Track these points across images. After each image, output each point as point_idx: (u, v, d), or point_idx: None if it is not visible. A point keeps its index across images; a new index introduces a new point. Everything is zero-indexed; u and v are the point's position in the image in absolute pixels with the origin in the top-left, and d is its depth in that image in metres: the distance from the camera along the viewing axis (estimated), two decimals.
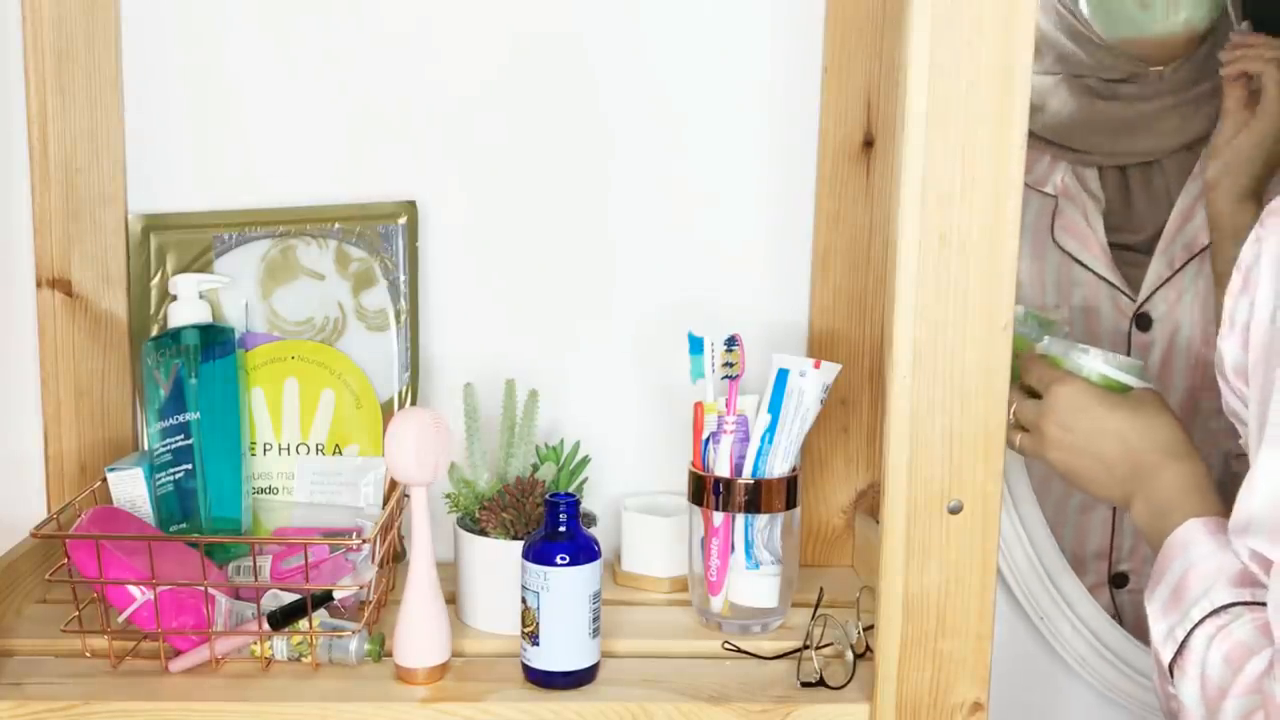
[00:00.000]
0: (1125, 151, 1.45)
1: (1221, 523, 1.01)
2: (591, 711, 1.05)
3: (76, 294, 1.29)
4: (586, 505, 1.22)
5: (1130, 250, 1.46)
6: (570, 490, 1.22)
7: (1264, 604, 0.93)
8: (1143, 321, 1.44)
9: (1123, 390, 1.12)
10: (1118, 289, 1.43)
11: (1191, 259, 1.42)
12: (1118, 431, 1.09)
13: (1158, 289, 1.43)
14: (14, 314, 1.30)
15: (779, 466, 1.17)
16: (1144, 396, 1.11)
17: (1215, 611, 0.96)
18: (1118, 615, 1.46)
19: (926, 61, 0.94)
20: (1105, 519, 1.46)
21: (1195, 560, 1.00)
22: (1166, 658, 0.99)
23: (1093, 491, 1.12)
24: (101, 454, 1.31)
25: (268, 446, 1.28)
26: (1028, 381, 1.15)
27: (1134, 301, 1.43)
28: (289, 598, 1.11)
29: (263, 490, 1.28)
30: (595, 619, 1.08)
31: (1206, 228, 1.40)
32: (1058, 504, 1.46)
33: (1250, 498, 0.94)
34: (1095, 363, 1.13)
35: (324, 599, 1.09)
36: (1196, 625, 0.97)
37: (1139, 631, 1.45)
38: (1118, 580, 1.47)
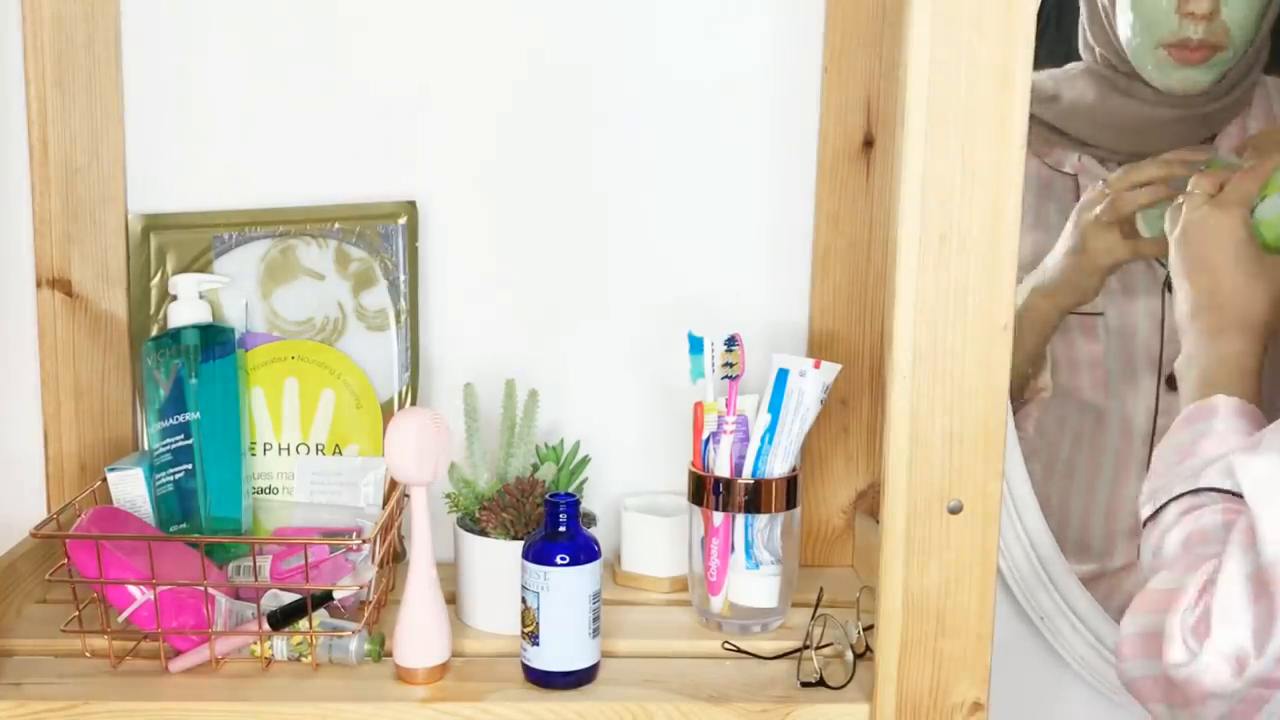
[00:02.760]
0: (1131, 150, 1.45)
1: (1251, 408, 1.08)
2: (591, 711, 1.05)
3: (76, 294, 1.29)
4: (586, 505, 1.22)
5: None
6: (570, 490, 1.22)
7: (1240, 495, 0.97)
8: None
9: (1277, 252, 1.15)
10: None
11: None
12: (1214, 278, 1.14)
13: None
14: (14, 314, 1.30)
15: (779, 466, 1.17)
16: (1274, 271, 1.14)
17: (1195, 491, 1.01)
18: None
19: (926, 61, 0.94)
20: (1135, 497, 1.46)
21: (1211, 432, 1.05)
22: (1143, 515, 1.05)
23: (1178, 292, 1.17)
24: (101, 454, 1.31)
25: (268, 446, 1.28)
26: (1232, 182, 1.19)
27: (1165, 266, 1.43)
28: (289, 598, 1.11)
29: (263, 490, 1.28)
30: (595, 619, 1.08)
31: None
32: (1088, 486, 1.45)
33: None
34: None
35: (324, 599, 1.09)
36: (1175, 498, 1.02)
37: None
38: None
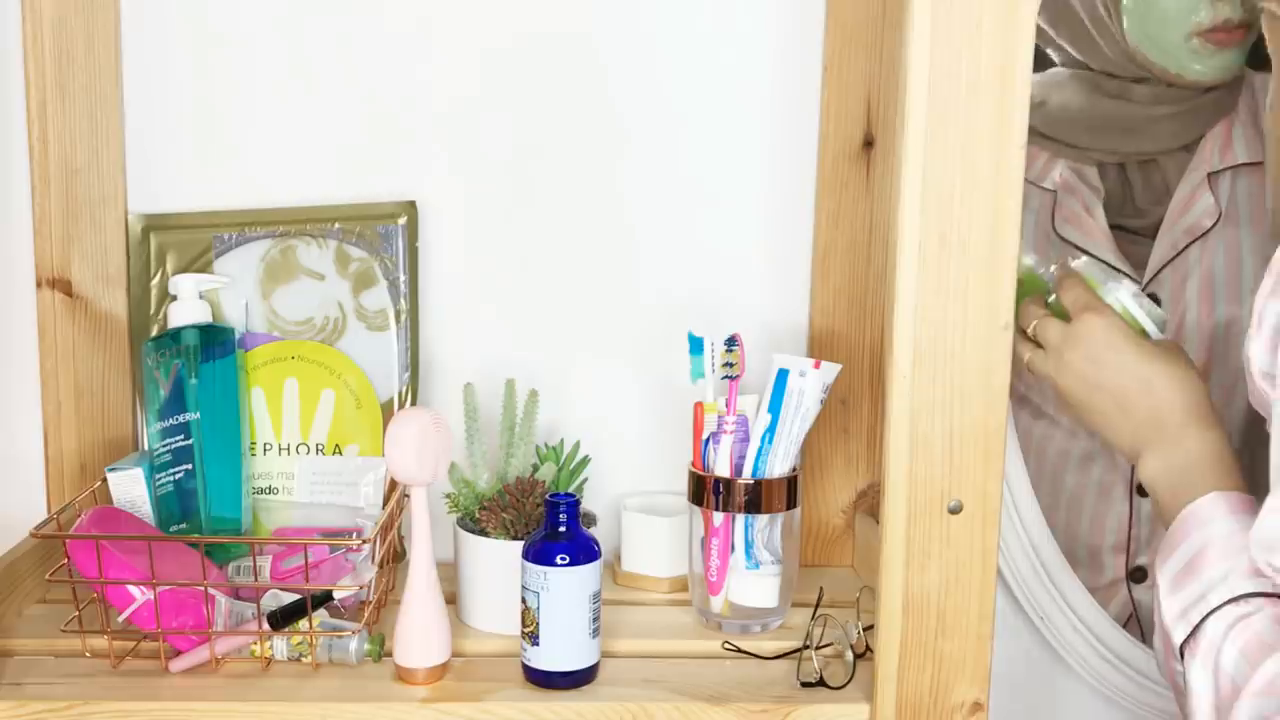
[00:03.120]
0: (1124, 151, 1.45)
1: (1244, 499, 1.00)
2: (591, 711, 1.05)
3: (76, 294, 1.29)
4: (586, 505, 1.22)
5: (1132, 233, 1.46)
6: (570, 490, 1.22)
7: None
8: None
9: (1142, 334, 1.09)
10: (1123, 273, 1.43)
11: (1194, 241, 1.42)
12: (1147, 379, 1.06)
13: (1161, 269, 1.43)
14: (14, 314, 1.30)
15: (779, 466, 1.17)
16: (1174, 350, 1.09)
17: (1234, 600, 0.94)
18: (1135, 613, 1.46)
19: (926, 61, 0.94)
20: (1122, 512, 1.46)
21: (1214, 538, 0.98)
22: (1178, 639, 0.97)
23: (1101, 431, 1.09)
24: (101, 454, 1.31)
25: (268, 446, 1.28)
26: (1062, 299, 1.11)
27: (1139, 283, 1.43)
28: (289, 598, 1.11)
29: (263, 490, 1.28)
30: (595, 619, 1.08)
31: (1207, 214, 1.40)
32: (1072, 502, 1.45)
33: (1276, 517, 0.91)
34: (1125, 297, 1.10)
35: (324, 599, 1.09)
36: (1213, 610, 0.95)
37: (1153, 632, 1.44)
38: (1136, 575, 1.47)
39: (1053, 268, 1.15)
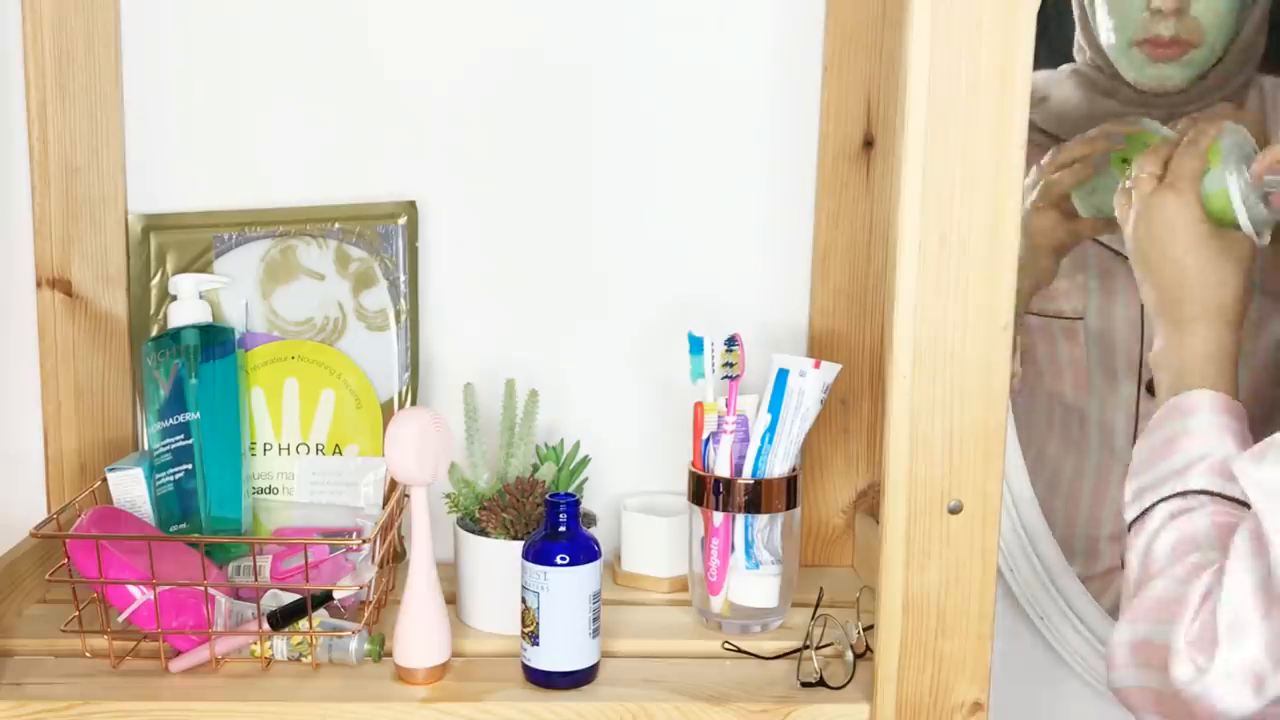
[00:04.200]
0: None
1: (1230, 403, 1.04)
2: (591, 711, 1.05)
3: (76, 294, 1.29)
4: (586, 505, 1.22)
5: None
6: (570, 490, 1.22)
7: (1231, 498, 0.97)
8: None
9: (1231, 226, 1.09)
10: (1125, 258, 1.43)
11: None
12: (1183, 266, 1.08)
13: None
14: (14, 314, 1.30)
15: (779, 466, 1.17)
16: (1235, 249, 1.09)
17: (1183, 493, 0.99)
18: None
19: (926, 61, 0.94)
20: (1119, 500, 1.46)
21: (1191, 429, 1.02)
22: (1129, 516, 1.03)
23: (1144, 299, 1.12)
24: (101, 454, 1.31)
25: (268, 446, 1.28)
26: (1175, 158, 1.11)
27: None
28: (289, 598, 1.11)
29: (263, 490, 1.28)
30: (595, 619, 1.08)
31: None
32: (1070, 488, 1.45)
33: None
34: (1235, 182, 1.08)
35: (324, 599, 1.09)
36: (1163, 499, 1.00)
37: None
38: None
39: (1189, 125, 1.15)
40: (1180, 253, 1.09)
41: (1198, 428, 1.03)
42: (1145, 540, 1.00)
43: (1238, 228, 1.08)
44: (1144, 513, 1.02)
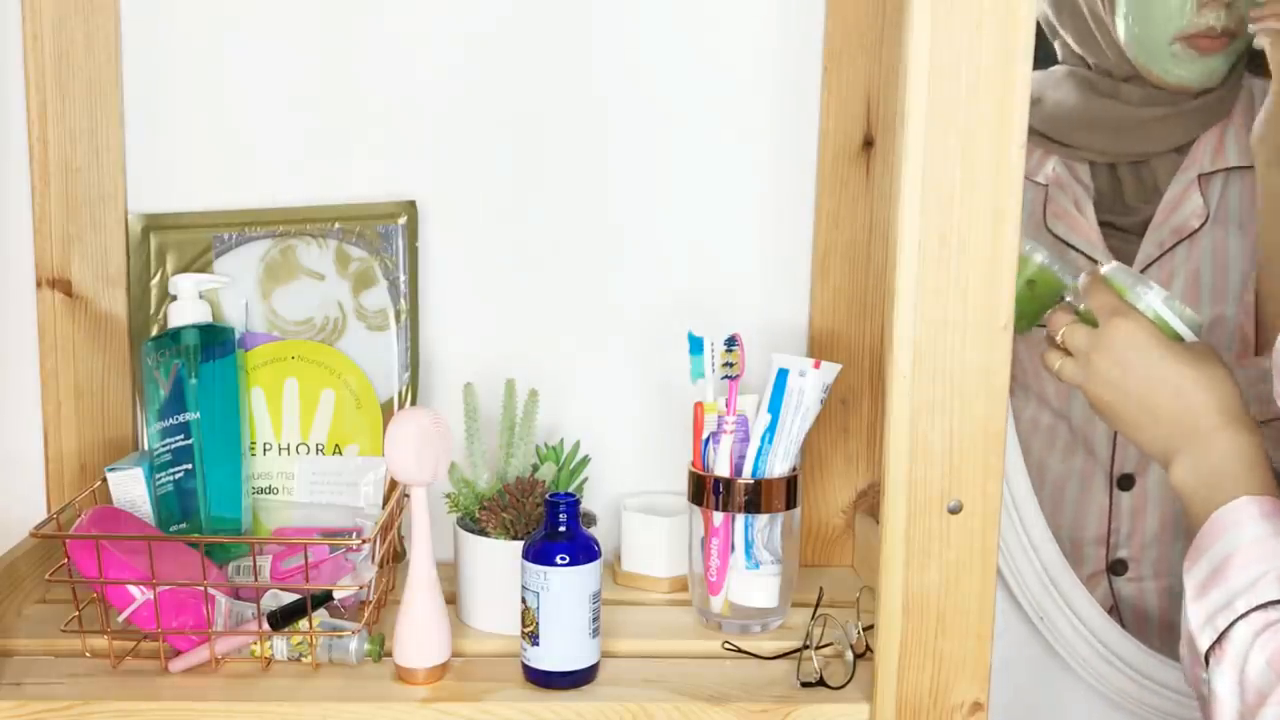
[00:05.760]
0: (1116, 151, 1.45)
1: (1275, 504, 0.98)
2: (591, 711, 1.05)
3: (76, 294, 1.29)
4: (586, 505, 1.22)
5: (1121, 231, 1.46)
6: (570, 490, 1.22)
7: None
8: None
9: (1175, 339, 1.07)
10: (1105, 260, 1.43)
11: (1180, 241, 1.42)
12: (1176, 383, 1.04)
13: (1147, 267, 1.43)
14: (14, 314, 1.30)
15: (779, 466, 1.17)
16: (1205, 351, 1.07)
17: (1262, 606, 0.94)
18: (1116, 605, 1.46)
19: (926, 61, 0.94)
20: (1103, 505, 1.46)
21: (1243, 542, 0.97)
22: (1204, 645, 0.96)
23: (1131, 437, 1.08)
24: (101, 454, 1.31)
25: (268, 446, 1.28)
26: (1089, 305, 1.10)
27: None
28: (289, 598, 1.11)
29: (263, 490, 1.28)
30: (595, 619, 1.08)
31: (1196, 215, 1.40)
32: (1055, 491, 1.46)
33: None
34: (1156, 301, 1.08)
35: (324, 599, 1.09)
36: (1240, 617, 0.94)
37: (1137, 624, 1.44)
38: (1116, 568, 1.47)
39: (1082, 276, 1.13)
40: (1166, 367, 1.04)
41: (1249, 539, 0.97)
42: (1234, 665, 0.94)
43: (1181, 340, 1.08)
44: (1221, 637, 0.95)
